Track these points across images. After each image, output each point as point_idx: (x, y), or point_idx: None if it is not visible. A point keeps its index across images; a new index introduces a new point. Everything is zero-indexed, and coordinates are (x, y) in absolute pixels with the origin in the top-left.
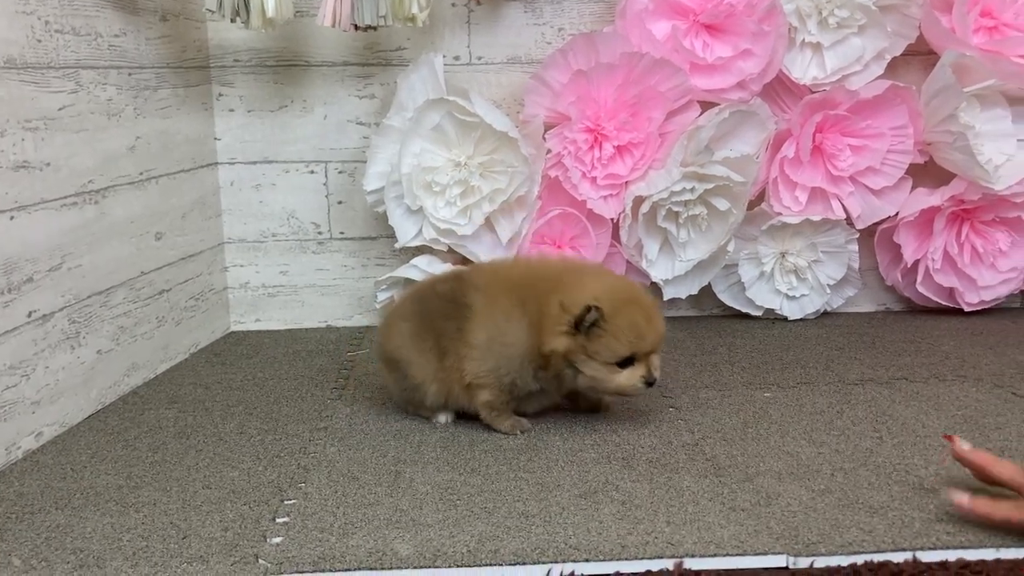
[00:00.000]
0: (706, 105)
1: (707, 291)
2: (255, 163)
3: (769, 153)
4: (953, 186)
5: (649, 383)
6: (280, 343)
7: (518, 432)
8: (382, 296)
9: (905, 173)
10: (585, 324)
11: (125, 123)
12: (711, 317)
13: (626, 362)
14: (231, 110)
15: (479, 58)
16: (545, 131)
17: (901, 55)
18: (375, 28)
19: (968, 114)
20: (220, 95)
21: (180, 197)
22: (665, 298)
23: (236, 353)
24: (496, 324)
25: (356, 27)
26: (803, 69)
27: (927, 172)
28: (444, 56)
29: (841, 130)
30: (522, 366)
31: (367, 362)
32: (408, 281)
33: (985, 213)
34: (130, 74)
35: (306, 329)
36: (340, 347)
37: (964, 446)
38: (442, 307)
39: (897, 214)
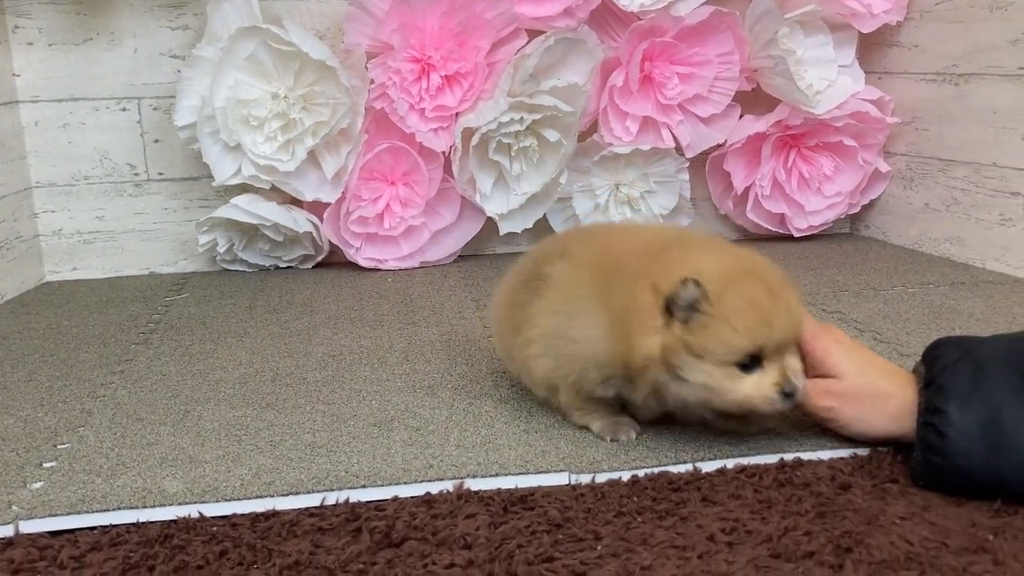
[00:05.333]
0: (534, 34)
1: (543, 224)
2: (61, 101)
3: (598, 82)
4: (778, 112)
5: (787, 394)
6: (97, 292)
7: (608, 438)
8: (203, 239)
9: (733, 100)
10: (680, 304)
11: None
12: None
13: (751, 363)
14: (30, 44)
15: None
16: (368, 60)
17: None
18: None
19: (791, 40)
20: (16, 27)
21: None
22: (501, 232)
23: (46, 303)
24: (565, 312)
25: None
26: None
27: (756, 100)
28: None
29: (669, 58)
30: (589, 373)
31: (184, 306)
32: (230, 223)
33: (809, 139)
34: None
35: (127, 277)
36: (159, 294)
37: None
38: (527, 268)
39: (726, 142)
